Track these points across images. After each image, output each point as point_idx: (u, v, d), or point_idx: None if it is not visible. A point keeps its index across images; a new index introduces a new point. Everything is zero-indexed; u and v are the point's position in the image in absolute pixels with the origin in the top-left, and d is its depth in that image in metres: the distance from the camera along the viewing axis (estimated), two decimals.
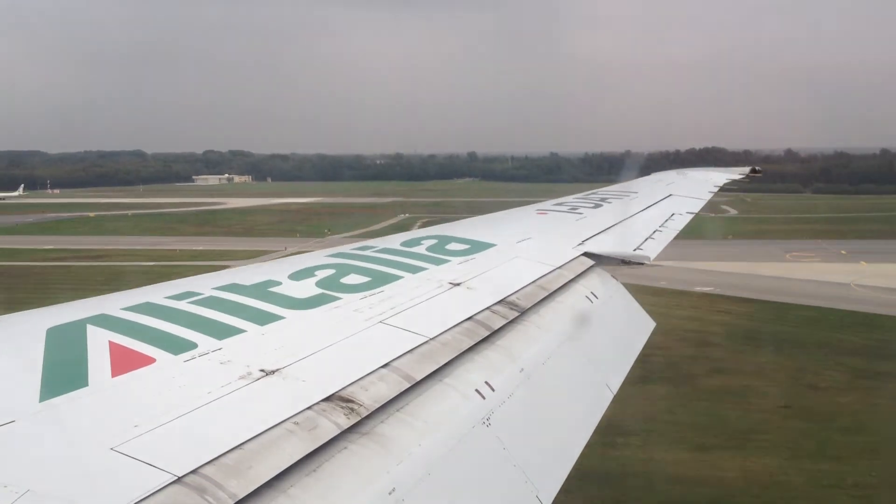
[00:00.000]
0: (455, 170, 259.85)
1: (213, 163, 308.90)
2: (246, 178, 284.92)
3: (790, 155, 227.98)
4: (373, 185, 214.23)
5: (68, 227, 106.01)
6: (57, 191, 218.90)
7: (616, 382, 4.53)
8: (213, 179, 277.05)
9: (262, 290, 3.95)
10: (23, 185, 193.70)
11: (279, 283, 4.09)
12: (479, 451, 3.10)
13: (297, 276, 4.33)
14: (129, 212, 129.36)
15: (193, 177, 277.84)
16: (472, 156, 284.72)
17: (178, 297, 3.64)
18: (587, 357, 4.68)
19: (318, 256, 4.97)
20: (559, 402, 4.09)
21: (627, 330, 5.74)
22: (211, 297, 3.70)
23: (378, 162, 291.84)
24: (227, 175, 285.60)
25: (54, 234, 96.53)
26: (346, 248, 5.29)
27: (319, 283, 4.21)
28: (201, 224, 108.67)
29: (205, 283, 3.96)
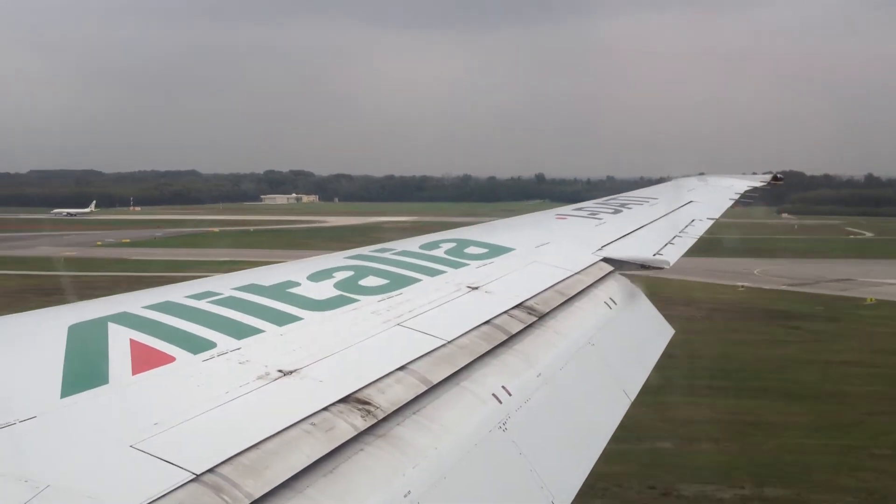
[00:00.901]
0: (523, 191, 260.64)
1: (275, 182, 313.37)
2: (313, 198, 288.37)
3: (871, 180, 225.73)
4: (445, 205, 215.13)
5: (207, 241, 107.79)
6: (138, 208, 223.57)
7: (634, 389, 4.50)
8: (280, 199, 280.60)
9: (280, 290, 3.96)
10: (94, 202, 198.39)
11: (298, 284, 4.11)
12: (495, 455, 3.10)
13: (315, 277, 4.34)
14: (251, 228, 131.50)
15: (261, 196, 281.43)
16: (539, 178, 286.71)
17: (198, 297, 3.67)
18: (605, 363, 4.64)
19: (337, 258, 4.98)
20: (576, 407, 4.06)
21: (646, 337, 5.67)
22: (230, 297, 3.72)
23: (446, 183, 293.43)
24: (294, 194, 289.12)
25: (201, 247, 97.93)
26: (365, 250, 5.28)
27: (338, 285, 4.22)
28: (337, 240, 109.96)
29: (224, 283, 3.99)
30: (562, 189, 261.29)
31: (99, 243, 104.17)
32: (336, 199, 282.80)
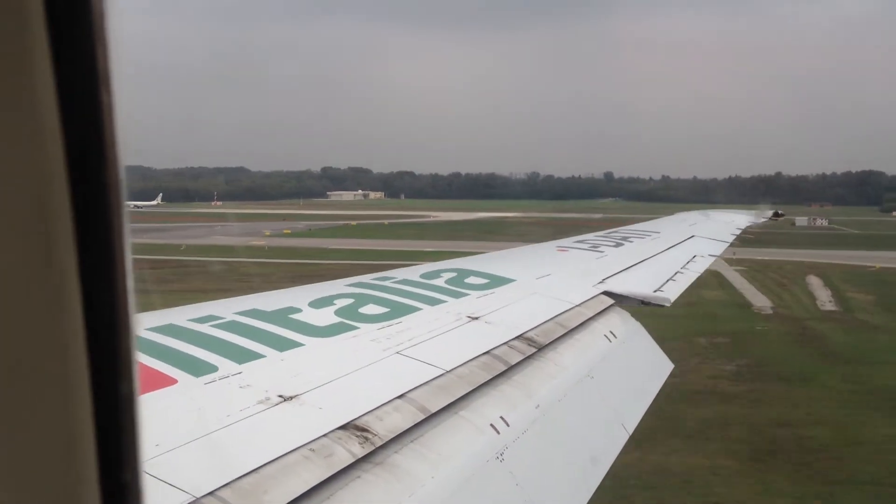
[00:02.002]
0: (594, 189, 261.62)
1: (336, 179, 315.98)
2: (379, 195, 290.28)
3: None
4: (521, 203, 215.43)
5: (361, 232, 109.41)
6: (219, 203, 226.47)
7: (632, 423, 4.52)
8: (347, 195, 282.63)
9: (282, 316, 4.01)
10: (161, 195, 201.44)
11: (299, 311, 4.16)
12: (491, 486, 3.12)
13: (317, 304, 4.39)
14: (386, 221, 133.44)
15: (328, 193, 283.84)
16: (608, 176, 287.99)
17: (201, 321, 3.71)
18: (604, 396, 4.68)
19: (338, 285, 5.05)
20: (574, 440, 4.09)
21: (645, 371, 5.72)
22: (232, 322, 3.76)
23: (514, 180, 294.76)
24: (360, 191, 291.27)
25: (367, 238, 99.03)
26: (366, 278, 5.36)
27: (338, 312, 4.26)
28: (485, 232, 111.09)
29: (227, 308, 4.04)
30: (633, 188, 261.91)
31: (268, 233, 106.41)
32: (402, 196, 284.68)
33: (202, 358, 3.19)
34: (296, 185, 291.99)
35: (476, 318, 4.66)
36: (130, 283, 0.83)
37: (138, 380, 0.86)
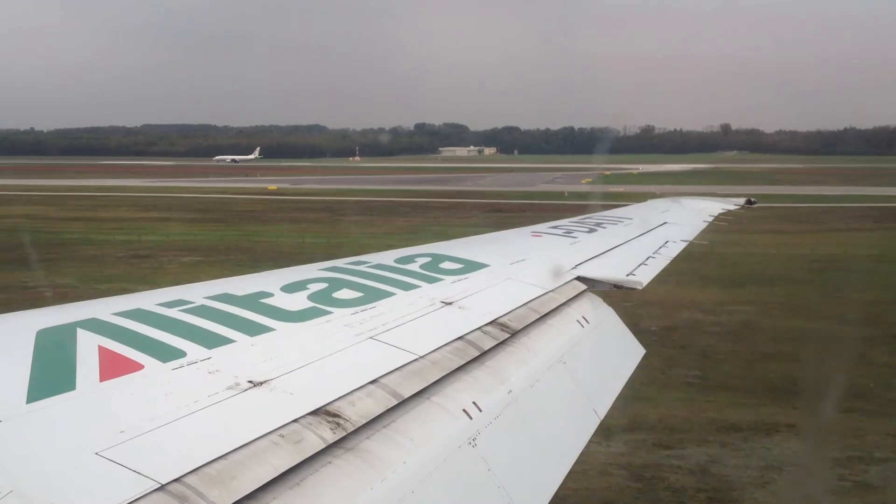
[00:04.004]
0: (710, 143, 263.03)
1: (434, 135, 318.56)
2: (492, 150, 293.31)
3: None
4: (646, 157, 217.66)
5: (643, 179, 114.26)
6: (358, 158, 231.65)
7: (604, 408, 4.60)
8: (460, 151, 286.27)
9: (253, 301, 3.99)
10: (258, 149, 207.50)
11: (271, 295, 4.15)
12: (463, 471, 3.15)
13: (289, 288, 4.38)
14: (635, 171, 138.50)
15: (440, 149, 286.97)
16: (724, 128, 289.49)
17: (170, 305, 3.68)
18: (576, 381, 4.74)
19: (312, 270, 5.05)
20: (546, 425, 4.15)
21: (617, 356, 5.84)
22: (202, 307, 3.74)
23: (628, 134, 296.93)
24: (472, 147, 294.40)
25: (660, 184, 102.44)
26: (340, 263, 5.38)
27: (311, 297, 4.26)
28: (740, 181, 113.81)
29: (196, 292, 4.01)
30: (751, 140, 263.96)
31: (585, 181, 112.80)
32: (515, 152, 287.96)
33: (170, 343, 3.16)
34: (408, 141, 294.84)
35: (450, 304, 4.69)
36: None
37: None
